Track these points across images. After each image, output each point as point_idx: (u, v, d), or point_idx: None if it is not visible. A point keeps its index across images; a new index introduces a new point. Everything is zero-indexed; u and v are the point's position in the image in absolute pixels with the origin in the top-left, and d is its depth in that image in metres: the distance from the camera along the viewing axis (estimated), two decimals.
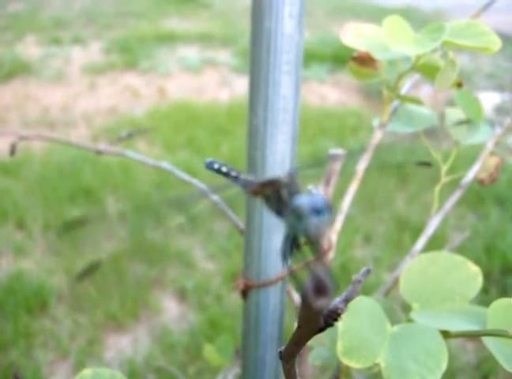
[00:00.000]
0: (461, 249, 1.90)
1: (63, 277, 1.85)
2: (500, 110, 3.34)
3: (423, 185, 2.29)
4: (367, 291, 1.41)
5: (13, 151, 0.75)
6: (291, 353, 0.33)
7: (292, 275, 0.30)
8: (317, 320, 0.28)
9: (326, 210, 0.28)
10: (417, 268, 0.53)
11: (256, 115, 0.53)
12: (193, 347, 1.59)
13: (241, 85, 3.75)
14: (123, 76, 3.91)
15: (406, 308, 0.52)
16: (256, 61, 0.51)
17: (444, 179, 0.64)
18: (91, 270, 0.30)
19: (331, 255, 0.59)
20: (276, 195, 0.33)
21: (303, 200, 0.29)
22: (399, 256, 1.88)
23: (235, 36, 4.77)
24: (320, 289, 0.24)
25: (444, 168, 0.64)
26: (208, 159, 0.39)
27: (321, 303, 0.24)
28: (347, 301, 0.28)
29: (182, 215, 0.35)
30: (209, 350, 0.93)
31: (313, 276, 0.25)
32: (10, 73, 3.86)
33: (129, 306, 1.73)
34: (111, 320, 1.69)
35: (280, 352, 0.33)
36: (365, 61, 0.56)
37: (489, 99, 3.48)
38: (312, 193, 0.29)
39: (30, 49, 4.43)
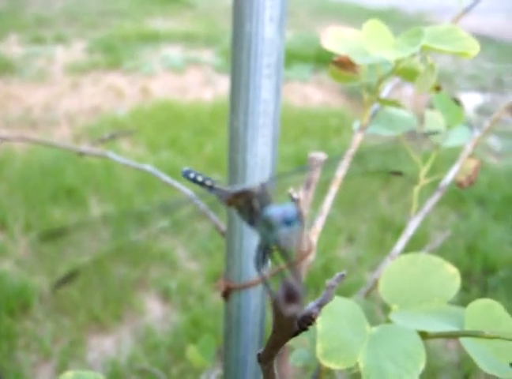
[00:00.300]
0: (442, 249, 1.92)
1: (45, 278, 1.84)
2: (482, 111, 3.37)
3: (405, 185, 2.31)
4: (349, 291, 1.42)
5: None
6: (268, 355, 0.33)
7: (265, 282, 0.31)
8: (290, 325, 0.29)
9: (297, 220, 0.29)
10: (397, 270, 0.54)
11: (237, 118, 0.53)
12: (177, 347, 1.59)
13: (224, 85, 3.75)
14: (106, 76, 3.89)
15: (386, 309, 0.53)
16: (237, 65, 0.52)
17: (423, 181, 0.65)
18: (71, 277, 0.31)
19: (311, 257, 0.59)
20: (248, 205, 0.33)
21: (273, 211, 0.29)
22: (382, 256, 1.89)
23: (218, 36, 4.77)
24: (291, 296, 0.25)
25: (423, 170, 0.65)
26: (185, 169, 0.40)
27: (291, 310, 0.25)
28: (320, 305, 0.29)
29: (166, 220, 0.35)
30: (192, 352, 0.93)
31: (284, 284, 0.26)
32: None
33: (112, 307, 1.73)
34: (94, 321, 1.69)
35: (259, 354, 0.34)
36: (345, 65, 0.57)
37: (471, 100, 3.51)
38: (283, 204, 0.30)
39: (12, 48, 4.39)
